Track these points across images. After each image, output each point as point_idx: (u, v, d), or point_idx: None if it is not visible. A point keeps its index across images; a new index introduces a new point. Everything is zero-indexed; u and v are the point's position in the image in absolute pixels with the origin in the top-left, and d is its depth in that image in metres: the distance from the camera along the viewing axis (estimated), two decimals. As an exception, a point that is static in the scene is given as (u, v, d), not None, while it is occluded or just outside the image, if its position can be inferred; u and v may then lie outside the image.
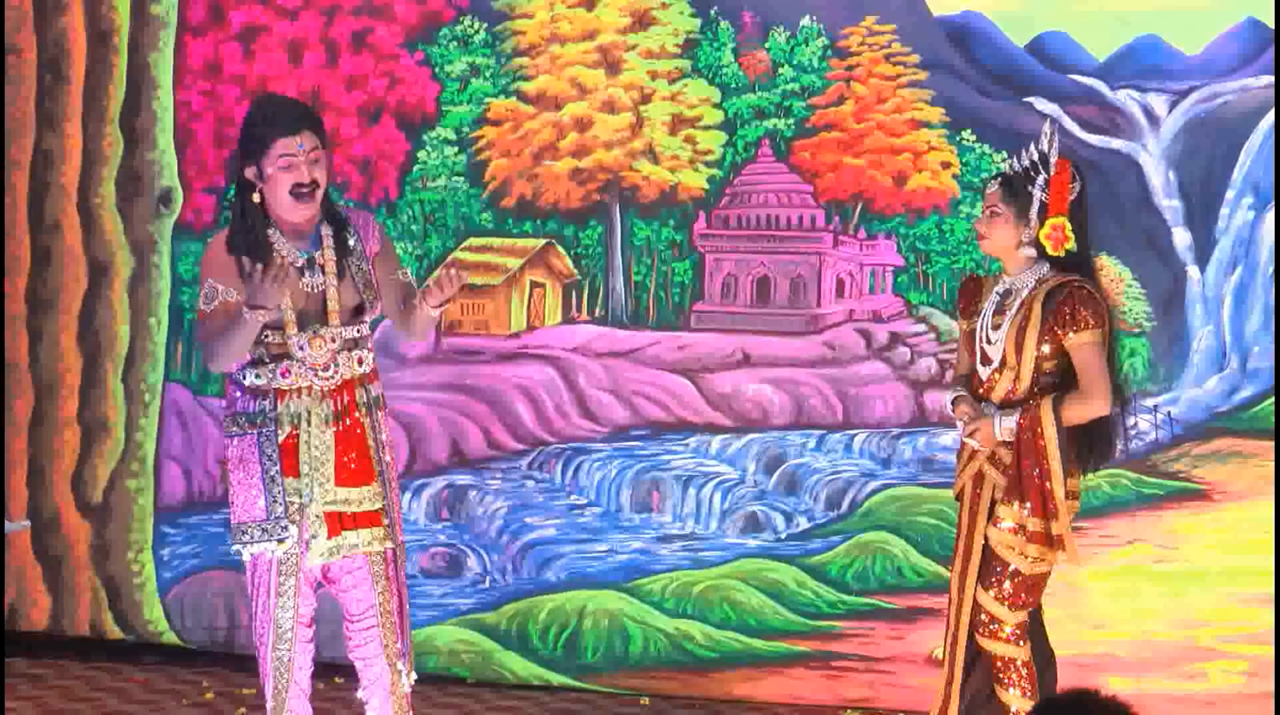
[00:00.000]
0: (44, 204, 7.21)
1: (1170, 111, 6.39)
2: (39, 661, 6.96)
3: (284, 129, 4.85)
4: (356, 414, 4.97)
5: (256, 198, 4.92)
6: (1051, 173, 4.99)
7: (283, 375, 4.90)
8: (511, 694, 6.70)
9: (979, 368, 5.10)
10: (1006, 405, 5.01)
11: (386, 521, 5.00)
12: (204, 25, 7.15)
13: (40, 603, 7.21)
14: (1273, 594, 6.10)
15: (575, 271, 6.87)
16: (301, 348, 4.91)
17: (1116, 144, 6.43)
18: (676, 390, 6.80)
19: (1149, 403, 6.37)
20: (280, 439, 4.91)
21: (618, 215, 6.84)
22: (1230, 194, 6.33)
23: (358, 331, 5.01)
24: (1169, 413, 6.37)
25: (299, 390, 4.92)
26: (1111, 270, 6.36)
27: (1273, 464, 6.17)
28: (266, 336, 4.92)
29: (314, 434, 4.91)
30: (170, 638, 7.10)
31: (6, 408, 7.18)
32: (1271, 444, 6.18)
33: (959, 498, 5.20)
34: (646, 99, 6.82)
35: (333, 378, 4.93)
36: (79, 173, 7.22)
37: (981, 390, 5.08)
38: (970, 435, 5.03)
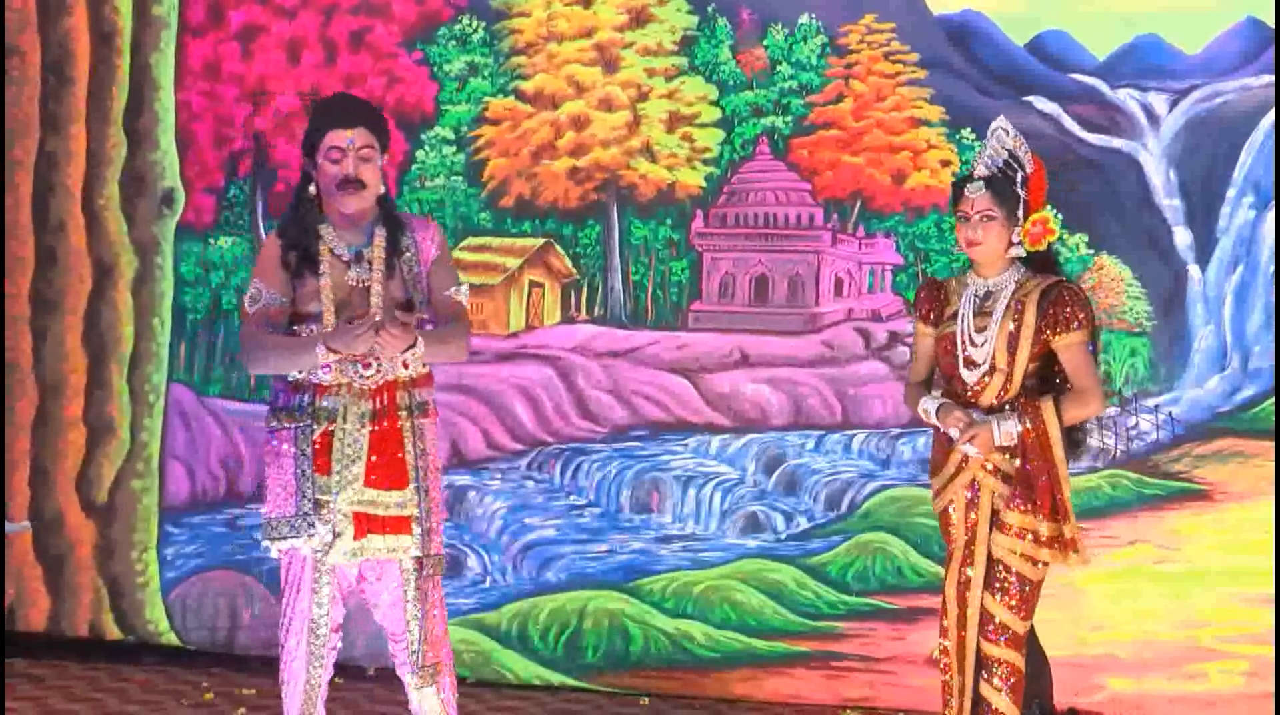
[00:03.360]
0: (48, 205, 7.23)
1: (1171, 110, 6.37)
2: (39, 662, 6.97)
3: (336, 122, 4.83)
4: (396, 417, 4.87)
5: (313, 189, 4.90)
6: (1029, 169, 4.94)
7: (323, 370, 4.83)
8: (512, 694, 6.70)
9: (962, 372, 4.99)
10: (992, 409, 4.93)
11: (418, 530, 4.88)
12: (204, 26, 7.17)
13: (39, 603, 7.22)
14: (1273, 594, 6.08)
15: (574, 271, 6.87)
16: None
17: (1117, 143, 6.41)
18: (675, 390, 6.79)
19: (1150, 402, 6.35)
20: (315, 434, 4.85)
21: (615, 214, 6.83)
22: (1231, 193, 6.31)
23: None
24: (1170, 413, 6.34)
25: (337, 387, 4.84)
26: (1111, 270, 6.35)
27: (1273, 464, 6.15)
28: (311, 330, 4.86)
29: (348, 431, 4.82)
30: (170, 638, 7.11)
31: (10, 408, 7.19)
32: (1272, 444, 6.16)
33: (943, 515, 5.08)
34: (644, 97, 6.81)
35: (373, 377, 4.85)
36: (83, 174, 7.23)
37: (969, 395, 4.98)
38: (968, 441, 4.90)
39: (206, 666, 6.97)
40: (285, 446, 4.85)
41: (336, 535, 4.82)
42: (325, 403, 4.83)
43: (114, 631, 7.18)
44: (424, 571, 4.90)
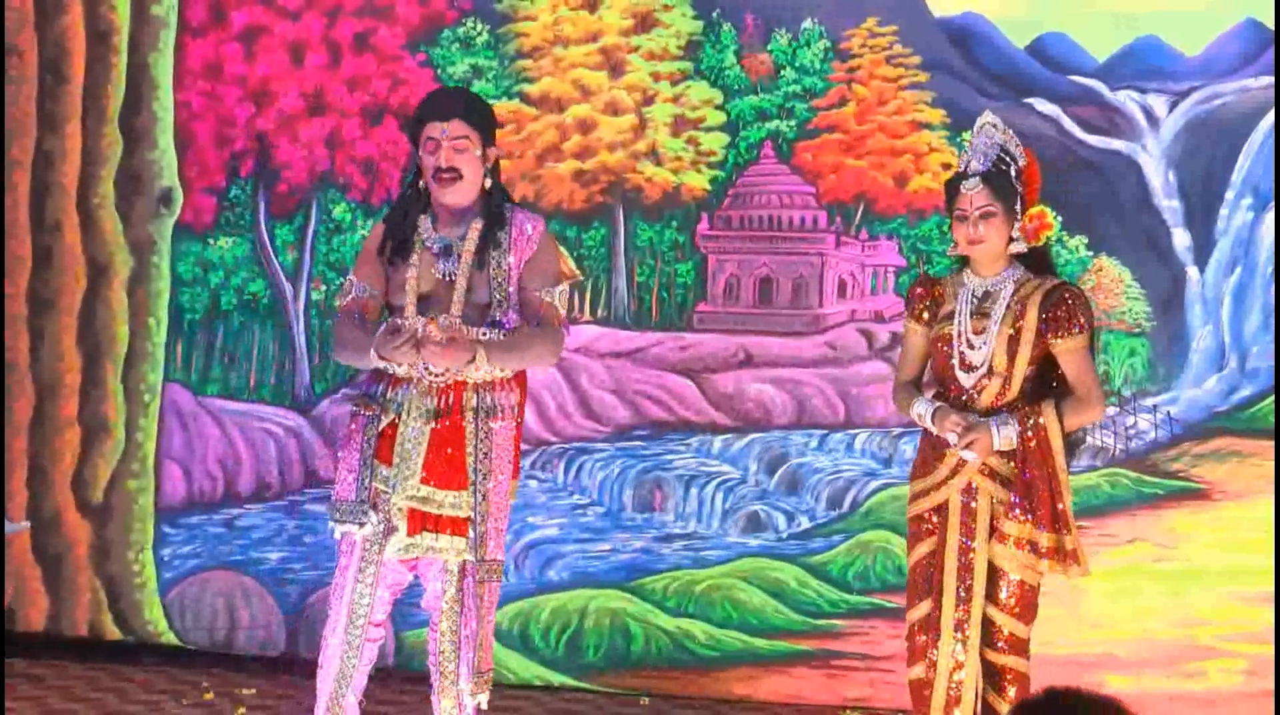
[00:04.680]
0: (45, 204, 7.21)
1: (1170, 112, 6.43)
2: (38, 662, 6.94)
3: (433, 114, 4.89)
4: (461, 417, 4.82)
5: (422, 183, 4.94)
6: (1022, 162, 4.88)
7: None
8: (513, 693, 6.69)
9: (959, 374, 4.86)
10: (989, 412, 4.81)
11: (472, 534, 4.82)
12: (204, 26, 7.15)
13: (38, 603, 7.18)
14: (1272, 593, 6.13)
15: (578, 272, 6.88)
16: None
17: (1116, 144, 6.47)
18: (679, 390, 6.81)
19: (1149, 402, 6.41)
20: (382, 425, 4.84)
21: (621, 216, 6.86)
22: (1230, 194, 6.37)
23: (482, 333, 4.83)
24: (1168, 412, 6.40)
25: (407, 381, 4.83)
26: (1111, 271, 6.40)
27: (1272, 463, 6.21)
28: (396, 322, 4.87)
29: (409, 425, 4.80)
30: (170, 638, 7.08)
31: (8, 408, 7.17)
32: (1271, 443, 6.22)
33: (923, 519, 4.90)
34: (649, 101, 6.84)
35: (442, 376, 4.81)
36: (78, 173, 7.21)
37: (965, 397, 4.86)
38: (967, 447, 4.76)
39: (206, 666, 6.94)
40: (357, 431, 4.87)
41: (393, 529, 4.82)
42: (394, 395, 4.85)
43: (113, 631, 7.14)
44: (472, 576, 4.86)
